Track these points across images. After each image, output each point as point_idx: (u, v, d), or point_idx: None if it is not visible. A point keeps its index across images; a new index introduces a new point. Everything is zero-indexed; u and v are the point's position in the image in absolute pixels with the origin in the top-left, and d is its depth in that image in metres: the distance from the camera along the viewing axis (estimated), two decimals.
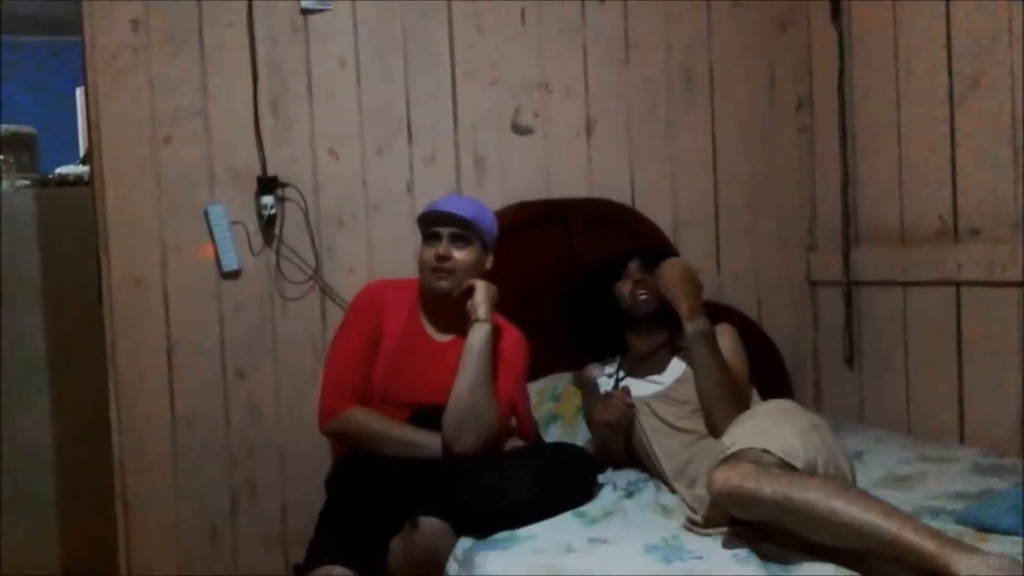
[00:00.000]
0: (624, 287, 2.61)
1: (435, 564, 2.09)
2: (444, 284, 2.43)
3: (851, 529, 1.67)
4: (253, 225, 2.90)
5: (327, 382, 2.42)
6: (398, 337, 2.46)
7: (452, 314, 2.45)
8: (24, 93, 5.40)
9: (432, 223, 2.47)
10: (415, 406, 2.38)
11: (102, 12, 2.79)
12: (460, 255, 2.44)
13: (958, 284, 2.66)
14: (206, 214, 2.86)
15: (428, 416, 2.33)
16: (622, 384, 2.51)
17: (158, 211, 2.84)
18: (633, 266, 2.63)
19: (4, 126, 3.76)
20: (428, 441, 2.30)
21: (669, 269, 2.52)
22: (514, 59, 3.11)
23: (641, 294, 2.58)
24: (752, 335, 3.06)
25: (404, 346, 2.46)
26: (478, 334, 2.36)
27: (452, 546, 2.09)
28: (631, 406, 2.43)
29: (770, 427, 1.96)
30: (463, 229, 2.45)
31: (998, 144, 2.51)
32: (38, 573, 3.38)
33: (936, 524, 1.81)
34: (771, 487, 1.75)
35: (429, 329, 2.51)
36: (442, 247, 2.43)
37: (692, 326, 2.42)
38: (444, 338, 2.49)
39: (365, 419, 2.35)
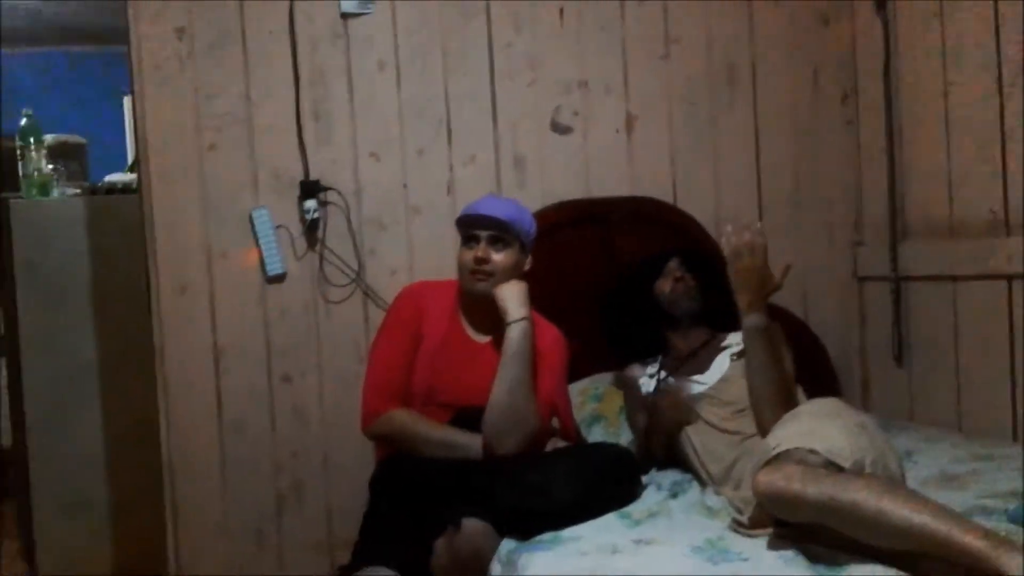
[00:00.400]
0: (664, 285, 2.58)
1: (479, 565, 2.09)
2: (483, 286, 2.43)
3: (900, 529, 1.64)
4: (296, 229, 2.92)
5: (369, 384, 2.44)
6: (439, 339, 2.47)
7: (492, 315, 2.44)
8: (72, 103, 5.48)
9: (470, 226, 2.47)
10: (456, 407, 2.39)
11: (148, 21, 2.83)
12: (499, 257, 2.43)
13: (1010, 278, 2.60)
14: (251, 219, 2.89)
15: (470, 417, 2.33)
16: (664, 384, 2.49)
17: (204, 217, 2.87)
18: (673, 264, 2.60)
19: (53, 136, 3.82)
20: (469, 442, 2.30)
21: (745, 259, 2.36)
22: (553, 58, 3.10)
23: (680, 292, 2.55)
24: (798, 333, 3.02)
25: (445, 348, 2.47)
26: (515, 333, 2.35)
27: (495, 547, 2.10)
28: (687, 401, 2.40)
29: (816, 427, 1.92)
30: (501, 231, 2.44)
31: None
32: (90, 575, 3.44)
33: (988, 523, 1.76)
34: (817, 488, 1.72)
35: (469, 330, 2.52)
36: (480, 250, 2.43)
37: (747, 321, 2.35)
38: (484, 339, 2.50)
39: (407, 421, 2.36)
